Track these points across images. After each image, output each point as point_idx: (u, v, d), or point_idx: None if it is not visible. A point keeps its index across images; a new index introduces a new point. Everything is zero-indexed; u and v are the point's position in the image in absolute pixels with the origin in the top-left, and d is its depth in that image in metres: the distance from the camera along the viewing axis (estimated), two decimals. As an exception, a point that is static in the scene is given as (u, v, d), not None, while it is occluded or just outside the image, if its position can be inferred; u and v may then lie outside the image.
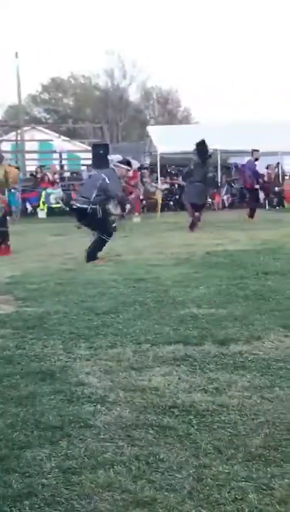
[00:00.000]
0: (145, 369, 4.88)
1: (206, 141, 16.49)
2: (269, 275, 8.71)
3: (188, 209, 16.98)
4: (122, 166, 11.57)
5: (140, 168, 25.88)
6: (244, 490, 3.03)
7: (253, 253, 11.18)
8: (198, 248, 11.62)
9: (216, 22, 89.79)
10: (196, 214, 16.62)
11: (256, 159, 19.40)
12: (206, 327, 6.01)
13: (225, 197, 27.19)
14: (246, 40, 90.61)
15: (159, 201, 24.47)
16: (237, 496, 2.98)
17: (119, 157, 11.73)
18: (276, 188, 26.95)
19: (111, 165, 11.71)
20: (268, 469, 3.23)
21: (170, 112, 64.42)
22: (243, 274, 8.84)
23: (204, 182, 16.64)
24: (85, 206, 10.99)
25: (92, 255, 10.89)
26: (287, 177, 27.74)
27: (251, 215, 19.18)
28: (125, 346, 5.48)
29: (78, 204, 11.29)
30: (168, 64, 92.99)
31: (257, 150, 19.46)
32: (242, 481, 3.12)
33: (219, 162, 26.78)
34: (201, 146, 16.47)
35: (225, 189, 27.33)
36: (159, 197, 24.88)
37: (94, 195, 10.92)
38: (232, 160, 30.46)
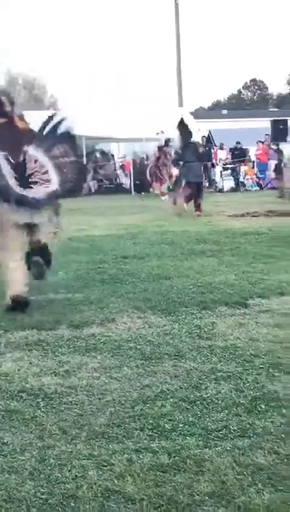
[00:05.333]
0: (-4, 356, 4.84)
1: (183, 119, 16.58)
2: (127, 258, 8.84)
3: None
4: None
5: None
6: (85, 468, 3.08)
7: (114, 238, 11.29)
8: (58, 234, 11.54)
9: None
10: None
11: None
12: (62, 312, 6.04)
13: (91, 183, 27.25)
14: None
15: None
16: (77, 474, 3.03)
17: None
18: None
19: None
20: (110, 446, 3.30)
21: (36, 98, 63.60)
22: (102, 258, 8.92)
23: (199, 160, 16.49)
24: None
25: None
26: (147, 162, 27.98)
27: None
28: (-23, 334, 5.40)
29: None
30: (35, 49, 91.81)
31: None
32: (84, 459, 3.18)
33: (84, 148, 26.69)
34: (180, 126, 16.26)
35: (90, 175, 27.40)
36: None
37: None
38: (99, 146, 30.57)
